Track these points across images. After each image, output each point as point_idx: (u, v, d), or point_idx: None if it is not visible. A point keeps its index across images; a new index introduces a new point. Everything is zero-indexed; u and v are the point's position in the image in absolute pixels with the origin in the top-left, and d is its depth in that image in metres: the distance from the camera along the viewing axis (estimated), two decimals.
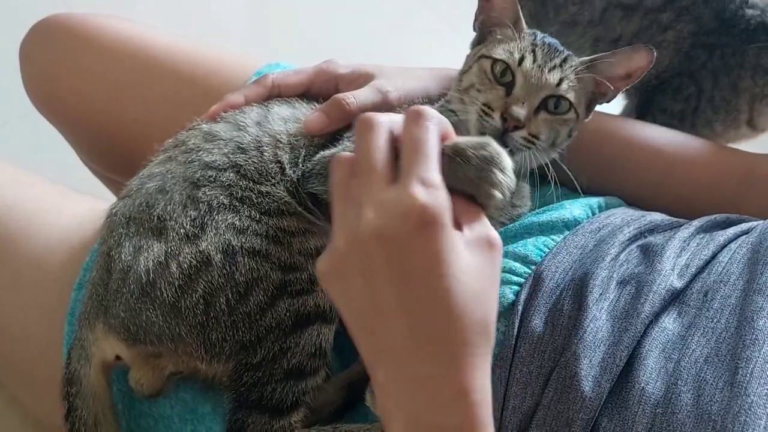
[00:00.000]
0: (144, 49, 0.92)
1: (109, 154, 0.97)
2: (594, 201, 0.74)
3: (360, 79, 0.77)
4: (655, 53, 0.69)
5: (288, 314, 0.61)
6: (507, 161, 0.49)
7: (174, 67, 0.91)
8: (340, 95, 0.72)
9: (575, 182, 0.72)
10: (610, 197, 0.76)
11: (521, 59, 0.69)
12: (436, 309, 0.45)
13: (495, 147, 0.50)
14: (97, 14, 0.95)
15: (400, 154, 0.48)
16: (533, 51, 0.70)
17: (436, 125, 0.48)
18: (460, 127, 0.65)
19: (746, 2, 0.95)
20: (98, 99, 0.92)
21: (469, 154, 0.49)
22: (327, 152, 0.68)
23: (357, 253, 0.46)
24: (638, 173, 0.80)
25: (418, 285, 0.45)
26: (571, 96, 0.69)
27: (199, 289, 0.60)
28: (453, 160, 0.48)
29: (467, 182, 0.49)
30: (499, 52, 0.70)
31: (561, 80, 0.69)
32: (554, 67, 0.69)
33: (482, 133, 0.66)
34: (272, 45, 1.77)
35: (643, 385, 0.53)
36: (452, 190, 0.47)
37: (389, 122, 0.49)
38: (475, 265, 0.46)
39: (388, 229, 0.45)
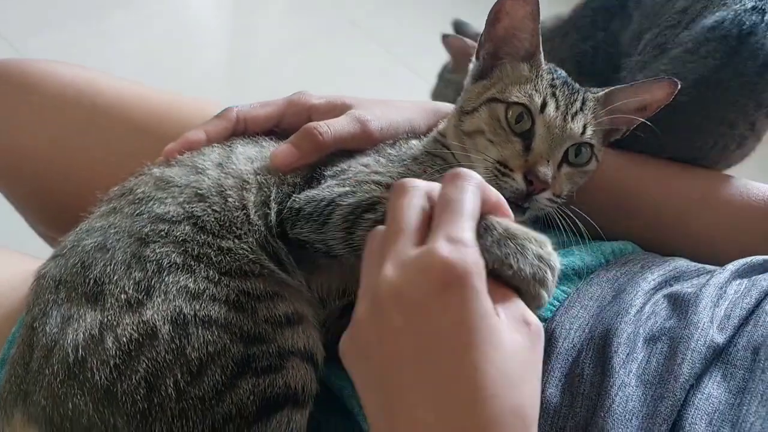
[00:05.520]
0: (89, 95, 0.87)
1: (54, 214, 0.90)
2: (606, 246, 0.68)
3: (335, 110, 0.69)
4: (679, 85, 0.63)
5: (252, 398, 0.52)
6: (558, 265, 0.46)
7: (123, 114, 0.85)
8: (311, 124, 0.65)
9: (589, 227, 0.64)
10: (623, 242, 0.70)
11: (543, 105, 0.61)
12: (461, 389, 0.39)
13: (550, 248, 0.46)
14: (38, 59, 0.92)
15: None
16: (554, 94, 0.62)
17: (475, 187, 0.45)
18: None
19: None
20: (39, 154, 0.86)
21: (527, 246, 0.45)
22: (314, 192, 0.61)
23: (375, 318, 0.42)
24: (654, 215, 0.73)
25: (440, 357, 0.39)
26: (594, 142, 0.63)
27: (141, 369, 0.51)
28: (504, 243, 0.44)
29: (515, 273, 0.44)
30: (517, 95, 0.61)
31: (585, 127, 0.62)
32: (576, 113, 0.62)
33: None
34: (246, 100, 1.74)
35: None
36: (489, 273, 0.43)
37: (426, 187, 0.46)
38: (512, 344, 0.40)
39: (406, 287, 0.40)
